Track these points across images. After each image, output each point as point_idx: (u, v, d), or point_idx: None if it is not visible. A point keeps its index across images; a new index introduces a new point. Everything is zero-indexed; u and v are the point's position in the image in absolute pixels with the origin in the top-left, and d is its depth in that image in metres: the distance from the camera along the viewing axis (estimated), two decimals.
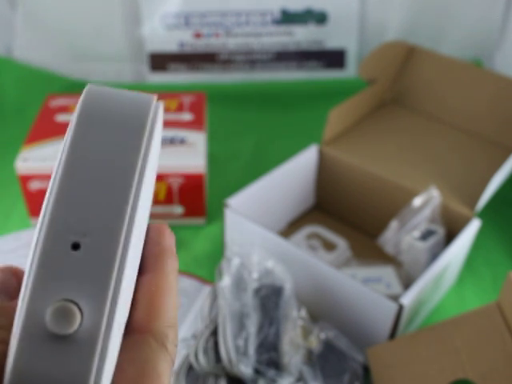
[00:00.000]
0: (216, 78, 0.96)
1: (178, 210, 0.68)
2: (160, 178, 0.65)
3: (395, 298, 0.48)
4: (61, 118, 0.71)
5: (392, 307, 0.48)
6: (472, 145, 0.69)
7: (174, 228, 0.72)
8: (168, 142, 0.68)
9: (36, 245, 0.17)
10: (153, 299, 0.19)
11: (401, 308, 0.48)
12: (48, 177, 0.64)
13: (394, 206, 0.62)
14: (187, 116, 0.73)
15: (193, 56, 0.94)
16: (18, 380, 0.16)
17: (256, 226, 0.56)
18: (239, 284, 0.51)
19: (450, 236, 0.58)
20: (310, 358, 0.50)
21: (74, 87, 0.93)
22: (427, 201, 0.59)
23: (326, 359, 0.50)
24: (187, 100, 0.76)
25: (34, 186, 0.65)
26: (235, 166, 0.80)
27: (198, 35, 0.92)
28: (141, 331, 0.19)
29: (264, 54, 0.94)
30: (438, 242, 0.58)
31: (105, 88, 0.19)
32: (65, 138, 0.18)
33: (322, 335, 0.51)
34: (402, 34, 0.91)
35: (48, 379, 0.16)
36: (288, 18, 0.91)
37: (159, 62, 0.95)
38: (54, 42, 0.93)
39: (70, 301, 0.16)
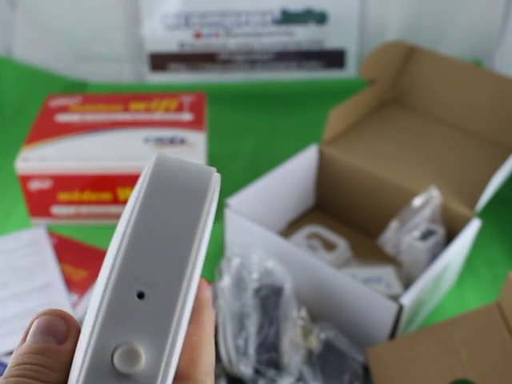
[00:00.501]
0: (216, 77, 0.96)
1: None
2: None
3: (395, 298, 0.48)
4: (61, 118, 0.71)
5: (392, 307, 0.48)
6: (472, 145, 0.69)
7: None
8: (168, 142, 0.68)
9: (104, 291, 0.19)
10: (193, 349, 0.21)
11: (401, 308, 0.48)
12: (48, 177, 0.64)
13: (394, 206, 0.62)
14: (187, 116, 0.73)
15: (193, 56, 0.94)
16: None
17: (256, 225, 0.56)
18: (239, 284, 0.51)
19: (450, 236, 0.58)
20: (310, 358, 0.50)
21: (74, 87, 0.93)
22: (427, 201, 0.59)
23: (326, 359, 0.50)
24: (187, 100, 0.76)
25: (34, 185, 0.65)
26: (235, 166, 0.80)
27: (197, 35, 0.92)
28: (182, 378, 0.21)
29: (264, 54, 0.94)
30: (437, 242, 0.58)
31: (172, 158, 0.22)
32: (132, 200, 0.20)
33: (322, 335, 0.51)
34: (402, 34, 0.91)
35: None
36: (288, 17, 0.91)
37: (159, 62, 0.95)
38: (54, 42, 0.93)
39: (133, 344, 0.18)
